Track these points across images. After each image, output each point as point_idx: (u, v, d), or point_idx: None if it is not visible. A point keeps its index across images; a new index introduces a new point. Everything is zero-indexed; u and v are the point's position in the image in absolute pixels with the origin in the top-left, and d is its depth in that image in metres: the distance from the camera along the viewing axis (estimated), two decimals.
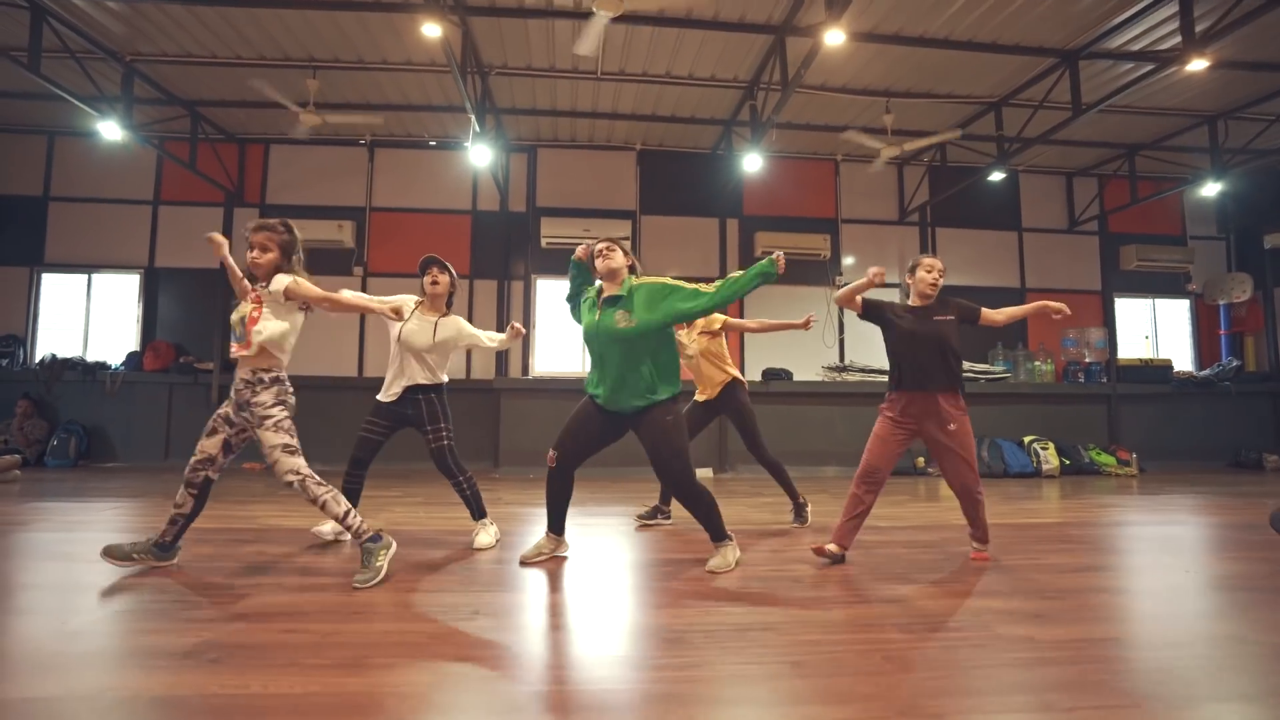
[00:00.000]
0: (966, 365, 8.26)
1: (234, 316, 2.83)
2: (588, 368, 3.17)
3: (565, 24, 5.63)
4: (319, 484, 2.75)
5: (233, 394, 2.83)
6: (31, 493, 5.42)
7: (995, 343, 8.54)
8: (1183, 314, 9.35)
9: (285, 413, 2.80)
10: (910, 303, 3.35)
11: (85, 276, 8.31)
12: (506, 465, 7.46)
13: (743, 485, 6.54)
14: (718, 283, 2.96)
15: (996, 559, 3.27)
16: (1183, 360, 9.12)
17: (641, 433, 2.98)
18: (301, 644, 2.02)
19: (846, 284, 3.31)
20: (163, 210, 8.32)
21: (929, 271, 3.28)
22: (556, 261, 7.90)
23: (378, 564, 2.71)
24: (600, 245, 3.06)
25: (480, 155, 6.49)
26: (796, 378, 8.07)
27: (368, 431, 3.44)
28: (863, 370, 8.20)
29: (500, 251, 8.22)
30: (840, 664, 1.93)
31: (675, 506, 4.17)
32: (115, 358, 8.08)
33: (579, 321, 3.18)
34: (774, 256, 2.92)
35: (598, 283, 3.13)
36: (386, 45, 6.09)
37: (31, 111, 7.61)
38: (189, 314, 8.30)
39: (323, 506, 2.75)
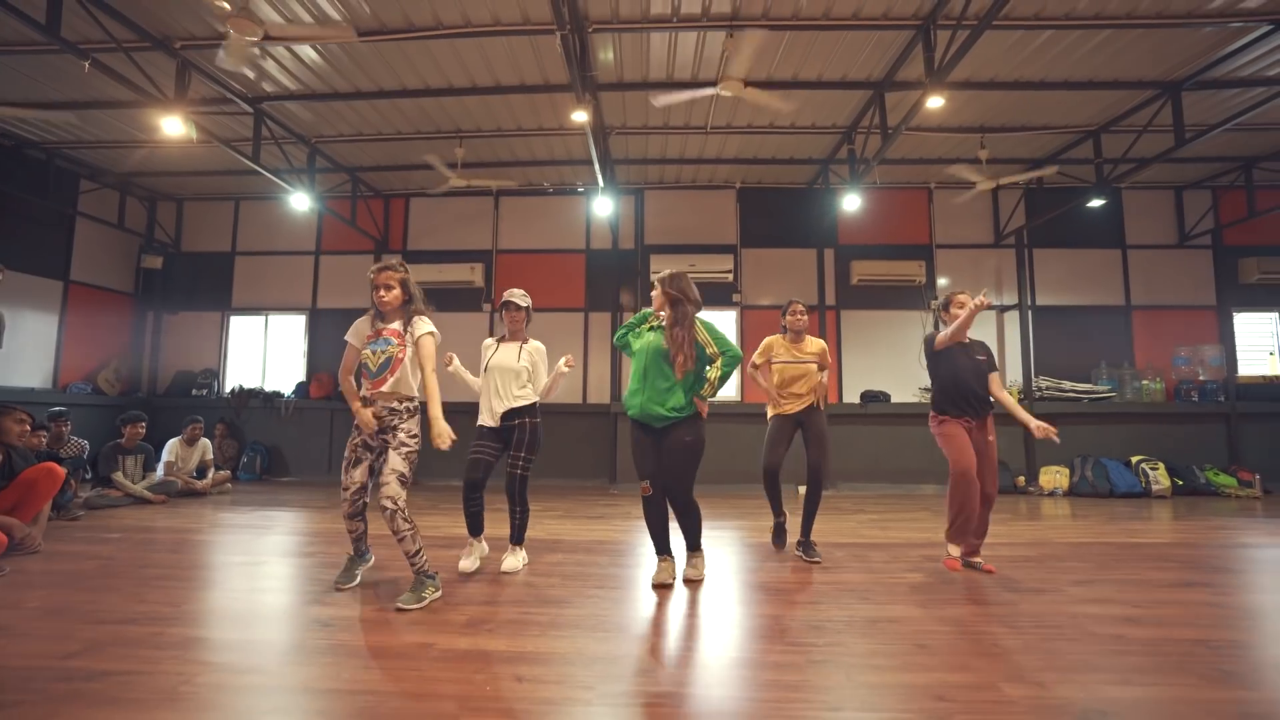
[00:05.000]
0: (1068, 385, 8.35)
1: (369, 352, 3.18)
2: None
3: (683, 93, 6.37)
4: (407, 520, 3.02)
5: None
6: (244, 502, 6.61)
7: (1099, 361, 8.53)
8: None
9: (417, 443, 3.13)
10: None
11: (263, 318, 9.77)
12: (623, 482, 8.20)
13: (846, 502, 6.97)
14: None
15: (1096, 575, 3.65)
16: None
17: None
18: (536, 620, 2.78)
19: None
20: (323, 259, 9.67)
21: (960, 308, 3.70)
22: None
23: (424, 594, 3.00)
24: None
25: (603, 206, 7.32)
26: (894, 399, 8.42)
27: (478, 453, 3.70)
28: None
29: (613, 286, 9.04)
30: (958, 647, 2.47)
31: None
32: (287, 387, 9.45)
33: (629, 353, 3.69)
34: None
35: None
36: (523, 116, 7.05)
37: (224, 183, 9.16)
38: (344, 348, 9.57)
39: (401, 540, 3.01)
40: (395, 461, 3.06)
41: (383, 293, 3.20)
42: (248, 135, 6.98)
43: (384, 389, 3.14)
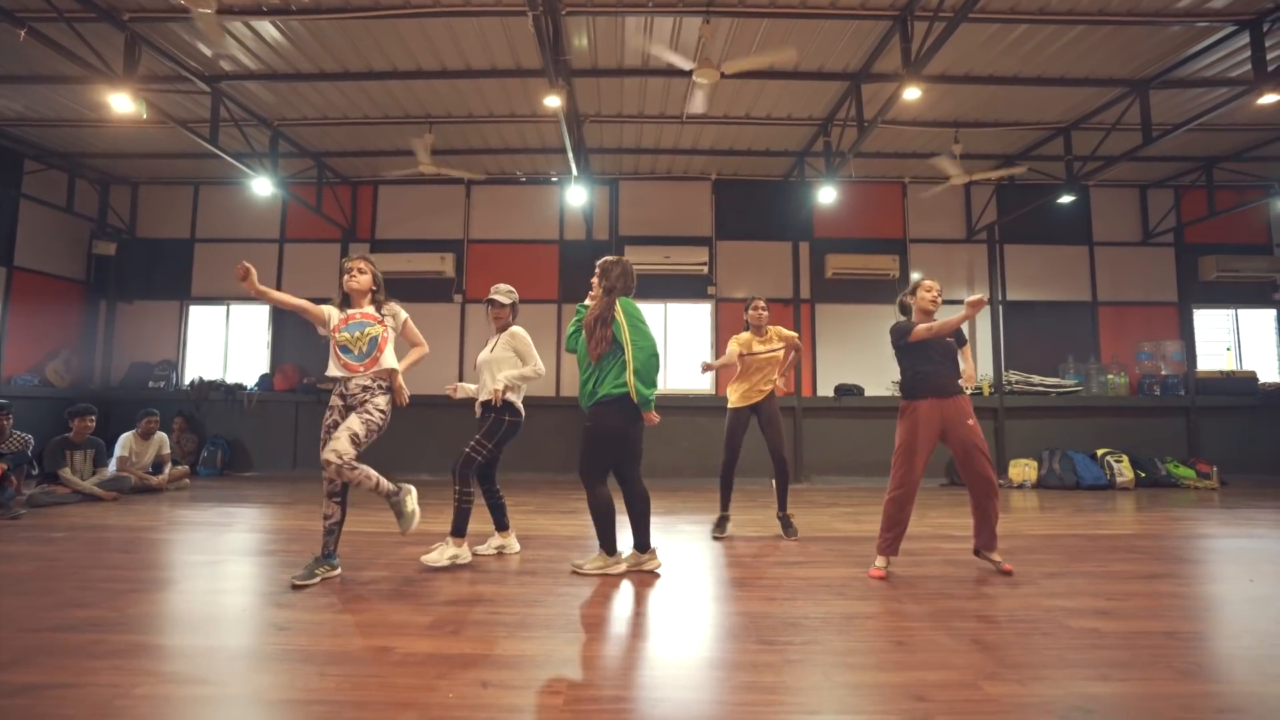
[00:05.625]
0: (1036, 379, 8.47)
1: (348, 335, 3.30)
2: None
3: (658, 81, 6.26)
4: (354, 468, 3.10)
5: (339, 400, 3.30)
6: (203, 498, 6.36)
7: (1066, 356, 8.67)
8: (1269, 324, 9.22)
9: (383, 418, 3.27)
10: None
11: (224, 308, 9.43)
12: None
13: (820, 495, 6.97)
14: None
15: (1066, 567, 3.66)
16: (1269, 372, 9.00)
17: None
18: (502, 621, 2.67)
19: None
20: (287, 247, 9.36)
21: (928, 291, 3.67)
22: (640, 286, 8.52)
23: (409, 510, 3.23)
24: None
25: (577, 195, 7.18)
26: (868, 393, 8.45)
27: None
28: None
29: (587, 278, 8.87)
30: (935, 644, 2.43)
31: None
32: (250, 379, 9.15)
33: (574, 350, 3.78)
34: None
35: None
36: (495, 102, 6.87)
37: (182, 166, 8.80)
38: (310, 339, 9.27)
39: (359, 486, 3.13)
40: (353, 421, 3.19)
41: (355, 274, 3.39)
42: (205, 116, 6.68)
43: (374, 370, 3.30)
